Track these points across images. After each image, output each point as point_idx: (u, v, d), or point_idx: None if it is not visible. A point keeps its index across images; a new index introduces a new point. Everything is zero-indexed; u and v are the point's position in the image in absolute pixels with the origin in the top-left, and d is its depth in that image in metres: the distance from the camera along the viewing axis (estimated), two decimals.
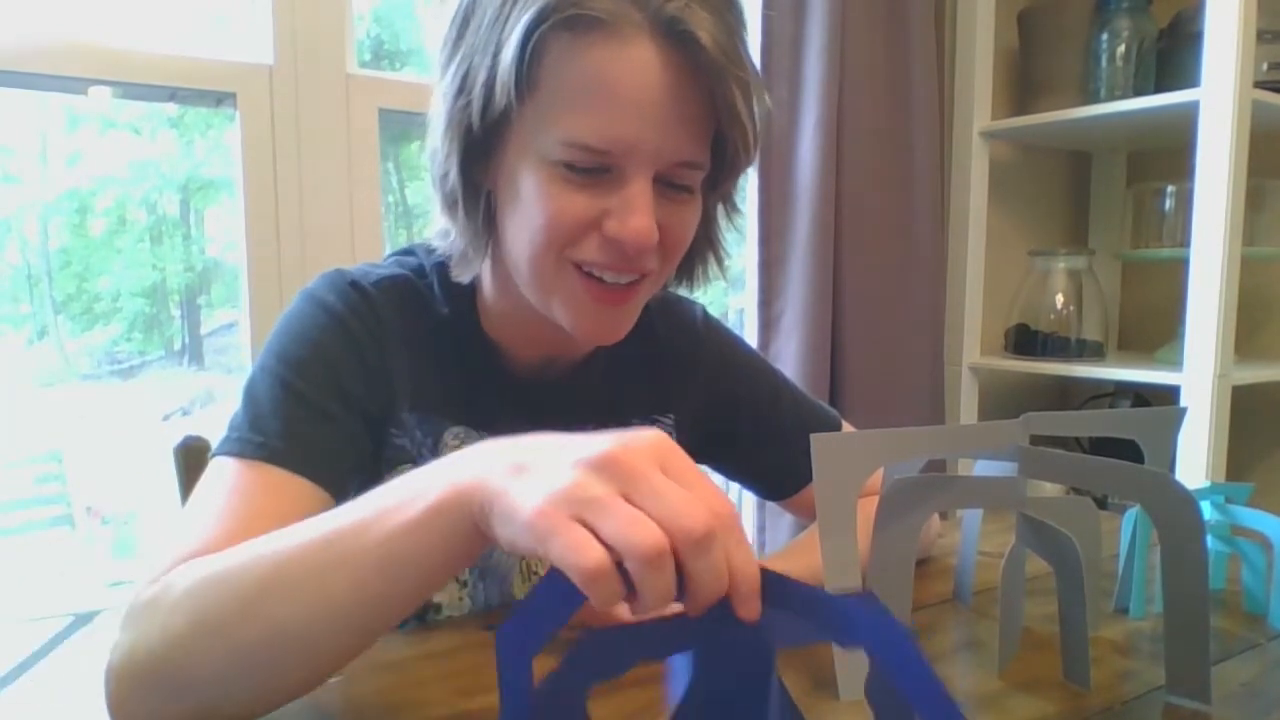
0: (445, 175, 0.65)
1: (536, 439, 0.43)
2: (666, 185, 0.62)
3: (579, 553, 0.36)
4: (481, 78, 0.60)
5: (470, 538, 0.43)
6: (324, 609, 0.47)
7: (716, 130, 0.61)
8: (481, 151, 0.63)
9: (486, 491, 0.41)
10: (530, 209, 0.61)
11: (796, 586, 0.38)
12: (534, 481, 0.39)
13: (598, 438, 0.39)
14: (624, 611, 0.39)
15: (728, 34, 0.58)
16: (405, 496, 0.45)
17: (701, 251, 0.73)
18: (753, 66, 0.62)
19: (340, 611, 0.47)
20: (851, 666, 0.56)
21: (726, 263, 0.77)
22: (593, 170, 0.60)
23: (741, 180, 0.71)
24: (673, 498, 0.37)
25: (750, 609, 0.37)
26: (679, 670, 0.40)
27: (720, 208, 0.72)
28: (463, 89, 0.61)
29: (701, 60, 0.57)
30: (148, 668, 0.49)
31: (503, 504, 0.40)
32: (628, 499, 0.37)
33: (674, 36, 0.57)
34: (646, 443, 0.39)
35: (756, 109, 0.62)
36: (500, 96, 0.59)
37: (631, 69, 0.57)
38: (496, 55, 0.58)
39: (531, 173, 0.61)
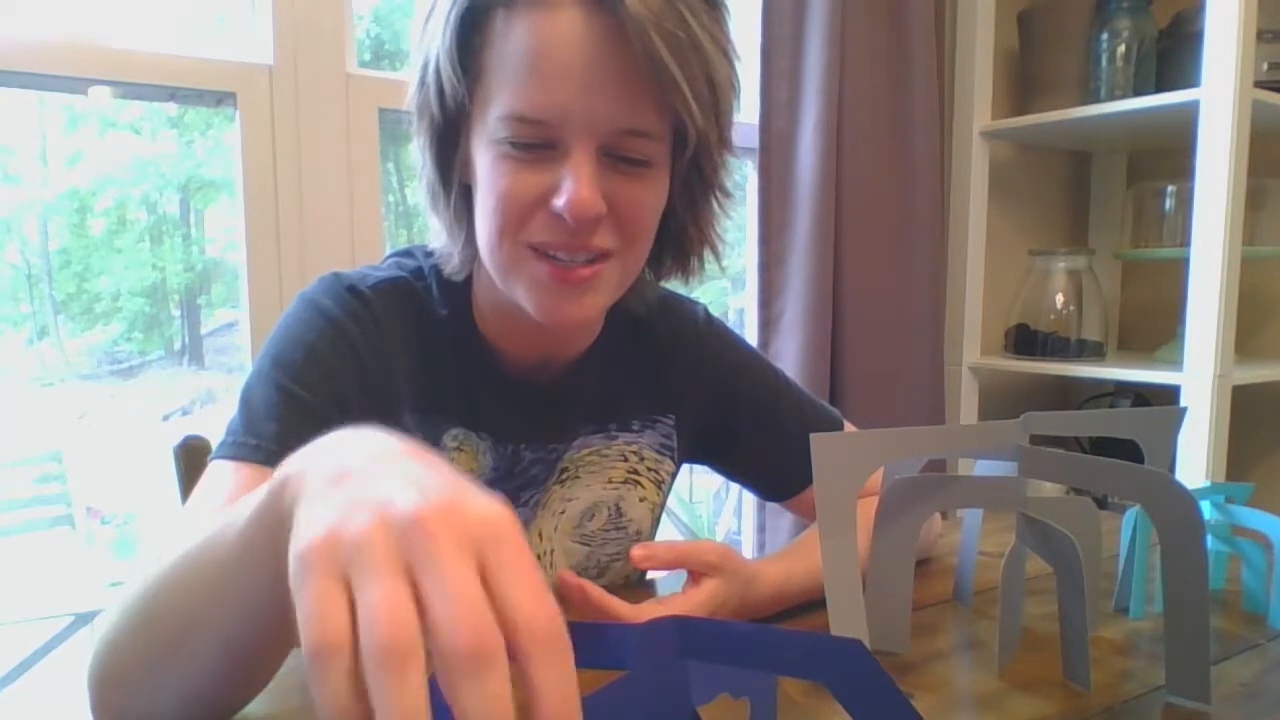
0: (423, 169, 0.67)
1: (386, 449, 0.36)
2: (618, 159, 0.61)
3: (317, 618, 0.29)
4: (433, 67, 0.61)
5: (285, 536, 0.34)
6: (197, 618, 0.44)
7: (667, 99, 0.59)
8: (450, 144, 0.65)
9: (295, 487, 0.35)
10: (485, 193, 0.62)
11: (696, 629, 0.33)
12: (331, 505, 0.32)
13: (438, 483, 0.32)
14: None
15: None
16: (263, 489, 0.38)
17: (692, 240, 0.71)
18: (712, 34, 0.60)
19: (211, 624, 0.43)
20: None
21: (723, 251, 0.75)
22: (535, 146, 0.59)
23: (735, 161, 0.70)
24: (459, 594, 0.28)
25: None
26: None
27: (708, 192, 0.69)
28: (422, 79, 0.63)
29: (624, 17, 0.56)
30: (101, 666, 0.50)
31: (299, 514, 0.33)
32: (411, 575, 0.29)
33: (601, 0, 0.57)
34: (476, 517, 0.31)
35: (711, 73, 0.60)
36: (447, 84, 0.60)
37: (558, 34, 0.57)
38: (441, 42, 0.60)
39: (484, 156, 0.62)
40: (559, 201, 0.59)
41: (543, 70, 0.58)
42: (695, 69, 0.59)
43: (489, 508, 0.32)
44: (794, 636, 0.35)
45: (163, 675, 0.47)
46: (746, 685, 0.40)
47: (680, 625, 0.35)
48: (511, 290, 0.65)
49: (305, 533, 0.31)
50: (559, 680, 0.29)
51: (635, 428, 0.80)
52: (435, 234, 0.70)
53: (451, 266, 0.69)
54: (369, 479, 0.33)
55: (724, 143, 0.66)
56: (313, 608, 0.29)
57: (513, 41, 0.58)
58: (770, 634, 0.35)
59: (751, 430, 0.84)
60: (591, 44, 0.57)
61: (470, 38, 0.60)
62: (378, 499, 0.31)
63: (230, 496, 0.59)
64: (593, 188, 0.59)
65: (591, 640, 0.34)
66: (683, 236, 0.71)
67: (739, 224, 1.63)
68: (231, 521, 0.41)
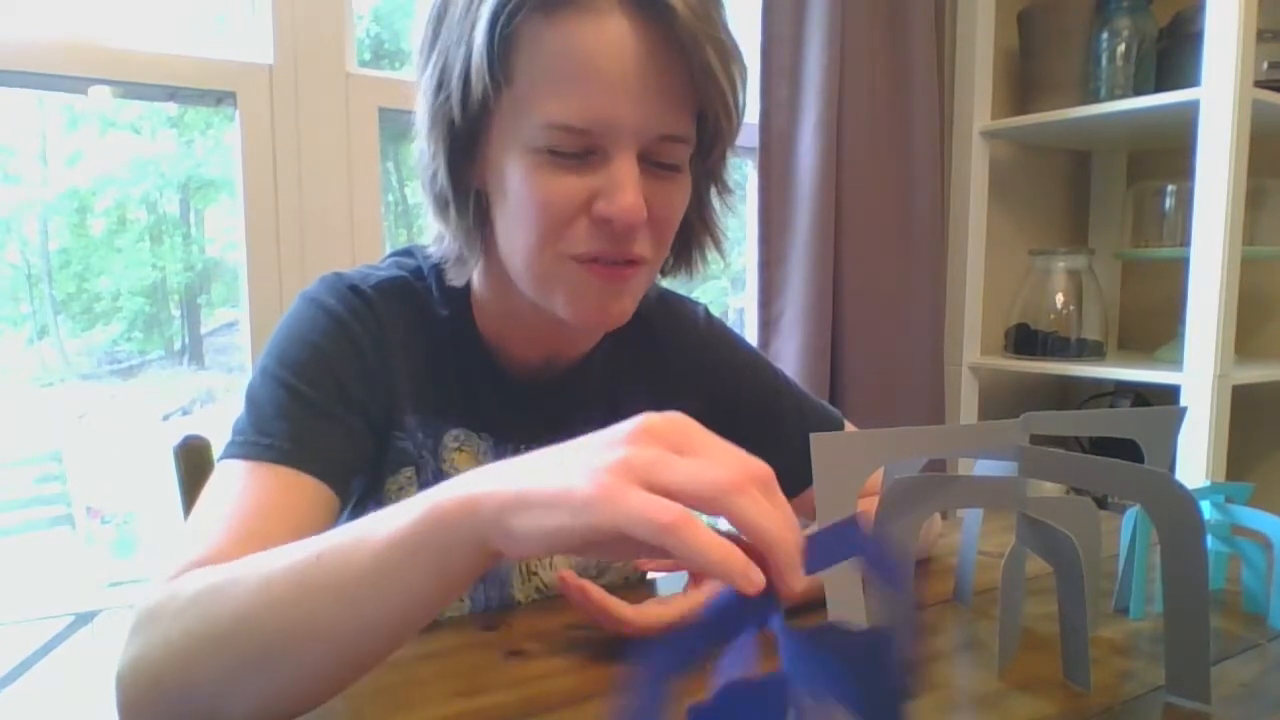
0: (434, 176, 0.64)
1: (542, 450, 0.43)
2: (652, 164, 0.61)
3: (654, 509, 0.36)
4: (457, 70, 0.60)
5: (470, 554, 0.42)
6: (309, 627, 0.46)
7: (699, 105, 0.60)
8: (467, 148, 0.63)
9: (498, 498, 0.41)
10: (520, 201, 0.61)
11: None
12: (570, 468, 0.39)
13: (619, 425, 0.40)
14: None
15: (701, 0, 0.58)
16: (401, 513, 0.44)
17: (697, 235, 0.72)
18: (729, 34, 0.61)
19: (327, 631, 0.45)
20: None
21: (725, 246, 0.75)
22: (577, 154, 0.59)
23: (735, 161, 0.71)
24: (693, 468, 0.38)
25: (788, 578, 0.37)
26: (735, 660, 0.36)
27: (712, 188, 0.70)
28: (441, 84, 0.61)
29: (676, 26, 0.56)
30: (152, 675, 0.49)
31: (533, 498, 0.40)
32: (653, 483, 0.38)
33: (646, 6, 0.56)
34: (670, 418, 0.40)
35: (736, 76, 0.61)
36: (477, 87, 0.59)
37: (606, 43, 0.57)
38: (470, 45, 0.58)
39: (517, 163, 0.60)
40: (604, 205, 0.59)
41: (591, 79, 0.57)
42: (735, 76, 0.60)
43: (658, 416, 0.40)
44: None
45: (248, 684, 0.47)
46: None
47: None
48: (548, 297, 0.65)
49: (575, 486, 0.38)
50: (783, 508, 0.39)
51: None
52: (435, 238, 0.69)
53: (460, 272, 0.68)
54: (560, 453, 0.42)
55: (733, 144, 0.67)
56: (642, 504, 0.37)
57: (554, 46, 0.57)
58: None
59: (752, 430, 0.83)
60: (640, 52, 0.57)
61: (505, 43, 0.58)
62: (600, 444, 0.40)
63: (248, 496, 0.58)
64: (640, 194, 0.59)
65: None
66: (689, 233, 0.71)
67: (739, 224, 1.63)
68: (349, 544, 0.46)
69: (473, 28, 0.58)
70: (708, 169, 0.67)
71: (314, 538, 0.48)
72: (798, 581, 0.37)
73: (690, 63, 0.57)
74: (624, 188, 0.59)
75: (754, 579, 0.36)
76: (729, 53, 0.59)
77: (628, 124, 0.58)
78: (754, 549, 0.37)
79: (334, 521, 0.63)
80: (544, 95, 0.58)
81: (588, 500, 0.38)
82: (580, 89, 0.57)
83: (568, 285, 0.63)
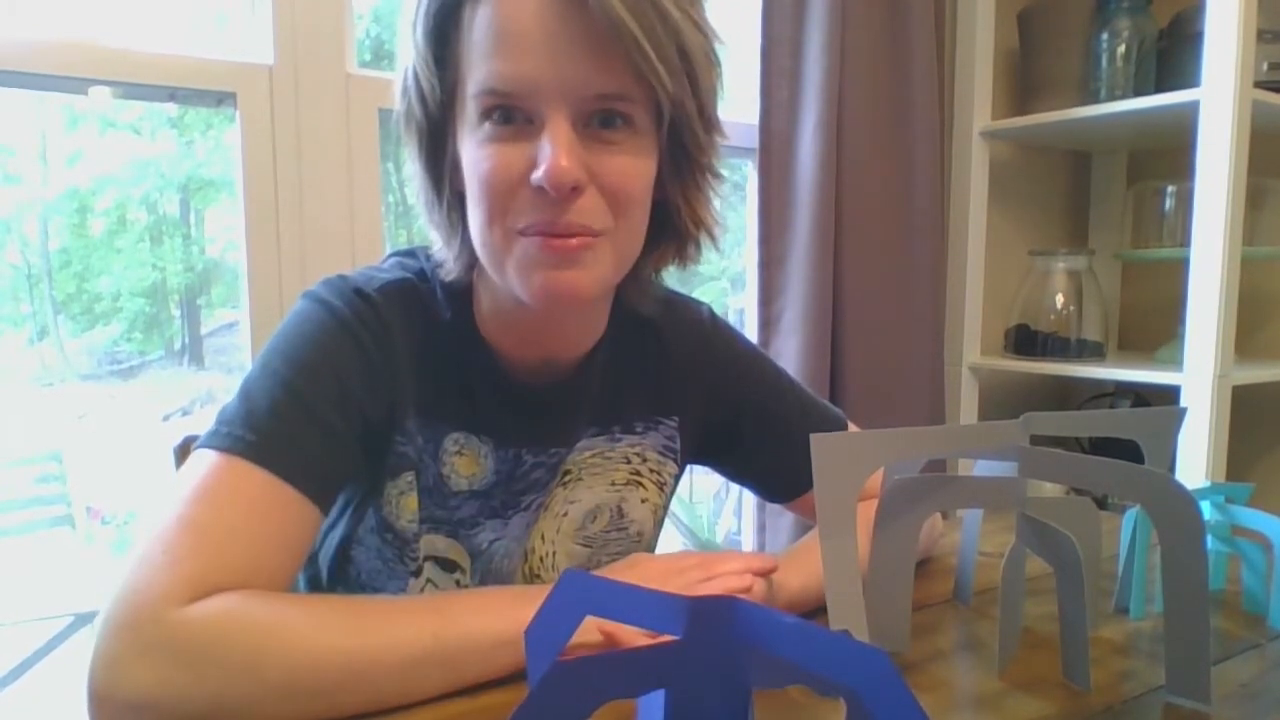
0: (415, 177, 0.67)
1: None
2: (598, 130, 0.61)
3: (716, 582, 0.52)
4: (410, 71, 0.63)
5: None
6: (366, 697, 0.54)
7: (636, 72, 0.59)
8: (438, 148, 0.65)
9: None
10: (470, 183, 0.63)
11: (777, 619, 0.35)
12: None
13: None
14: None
15: None
16: (492, 619, 0.58)
17: (679, 216, 0.69)
18: (680, 6, 0.60)
19: (381, 697, 0.55)
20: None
21: (720, 235, 0.73)
22: (513, 123, 0.60)
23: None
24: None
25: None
26: (649, 711, 0.38)
27: (695, 172, 0.67)
28: (404, 89, 0.64)
29: None
30: (170, 701, 0.51)
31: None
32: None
33: None
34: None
35: (682, 41, 0.60)
36: (426, 85, 0.62)
37: (520, 10, 0.58)
38: (416, 47, 0.62)
39: (468, 150, 0.62)
40: (537, 173, 0.59)
41: (507, 44, 0.58)
42: (660, 34, 0.59)
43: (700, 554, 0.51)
44: (824, 636, 0.34)
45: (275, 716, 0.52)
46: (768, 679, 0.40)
47: (732, 605, 0.35)
48: (505, 277, 0.64)
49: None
50: None
51: (639, 430, 0.80)
52: (433, 242, 0.71)
53: (449, 272, 0.69)
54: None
55: (706, 119, 0.65)
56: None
57: (479, 27, 0.59)
58: (809, 630, 0.35)
59: (755, 431, 0.84)
60: (556, 13, 0.58)
61: (443, 37, 0.61)
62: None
63: (222, 493, 0.58)
64: (570, 155, 0.59)
65: (647, 605, 0.37)
66: (677, 219, 0.69)
67: (739, 224, 1.63)
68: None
69: (414, 29, 0.62)
70: (682, 147, 0.65)
71: (400, 606, 0.58)
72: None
73: (603, 24, 0.57)
74: (552, 149, 0.58)
75: None
76: (647, 7, 0.58)
77: (548, 83, 0.58)
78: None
79: (314, 536, 0.63)
80: (472, 71, 0.60)
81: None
82: (498, 54, 0.59)
83: (517, 262, 0.63)
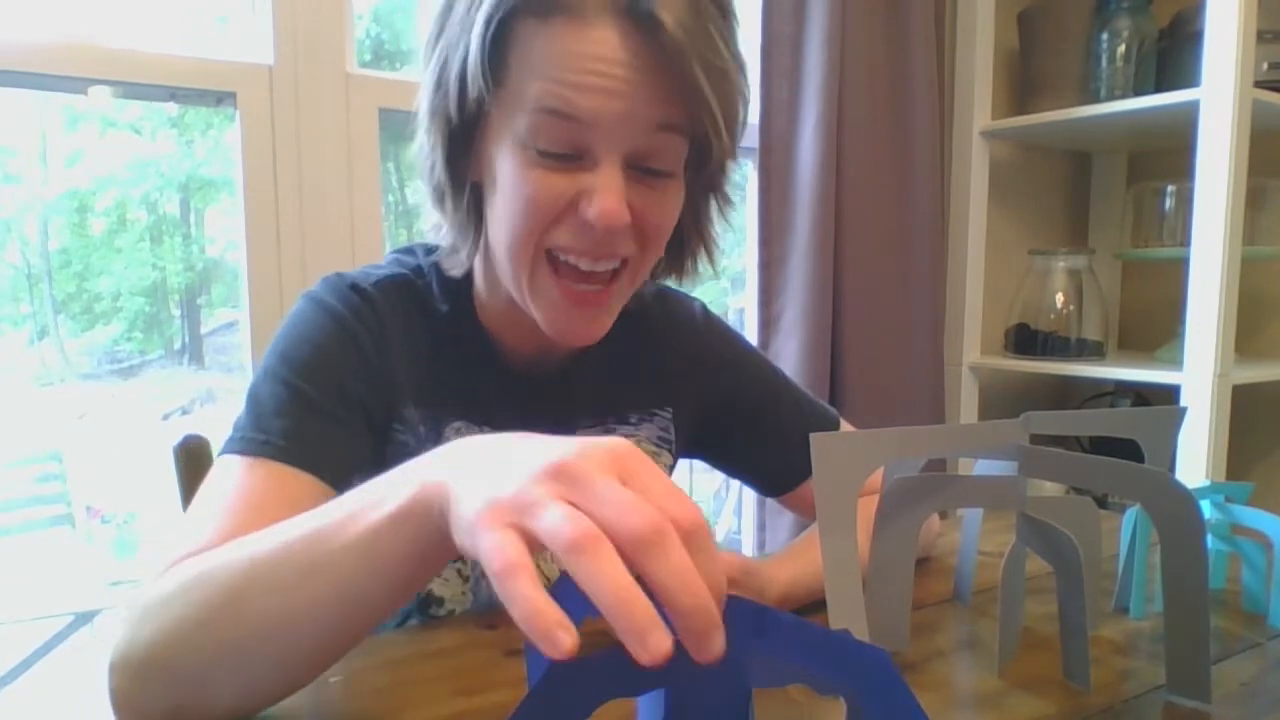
0: (432, 169, 0.67)
1: (505, 440, 0.42)
2: (643, 171, 0.62)
3: (497, 551, 0.34)
4: (455, 70, 0.62)
5: (439, 541, 0.42)
6: (305, 609, 0.47)
7: (687, 119, 0.61)
8: (463, 143, 0.65)
9: (446, 495, 0.41)
10: (509, 194, 0.63)
11: (777, 618, 0.35)
12: (484, 487, 0.38)
13: (559, 443, 0.38)
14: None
15: (696, 16, 0.59)
16: (381, 496, 0.45)
17: (691, 243, 0.73)
18: (735, 55, 0.62)
19: (320, 611, 0.47)
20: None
21: (719, 255, 0.76)
22: (565, 156, 0.60)
23: (735, 174, 0.71)
24: (618, 499, 0.34)
25: (705, 646, 0.32)
26: (648, 711, 0.39)
27: (712, 199, 0.72)
28: (440, 82, 0.63)
29: (664, 40, 0.57)
30: (143, 660, 0.50)
31: (456, 510, 0.40)
32: (570, 504, 0.35)
33: (637, 17, 0.58)
34: (604, 449, 0.37)
35: (736, 96, 0.62)
36: (472, 86, 0.61)
37: (593, 48, 0.58)
38: (466, 48, 0.61)
39: (509, 159, 0.62)
40: (590, 211, 0.60)
41: (579, 73, 0.58)
42: (726, 95, 0.61)
43: (609, 440, 0.38)
44: (825, 635, 0.34)
45: (233, 665, 0.49)
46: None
47: (732, 604, 0.34)
48: (524, 299, 0.66)
49: (470, 512, 0.37)
50: (709, 563, 0.34)
51: (633, 421, 0.81)
52: (434, 227, 0.71)
53: (455, 262, 0.70)
54: (497, 461, 0.39)
55: (734, 154, 0.67)
56: (490, 545, 0.35)
57: (546, 45, 0.59)
58: (809, 629, 0.35)
59: (748, 424, 0.85)
60: (626, 60, 0.58)
61: (496, 44, 0.60)
62: (516, 468, 0.37)
63: (243, 490, 0.59)
64: (621, 199, 0.61)
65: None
66: (683, 239, 0.72)
67: (739, 224, 1.63)
68: (339, 522, 0.46)
69: (469, 30, 0.60)
70: (705, 181, 0.68)
71: (295, 520, 0.49)
72: (710, 650, 0.32)
73: (674, 76, 0.59)
74: (606, 192, 0.60)
75: (650, 647, 0.31)
76: (720, 72, 0.60)
77: (610, 123, 0.59)
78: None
79: None
80: (535, 87, 0.59)
81: (468, 530, 0.37)
82: (569, 81, 0.59)
83: (543, 295, 0.65)
